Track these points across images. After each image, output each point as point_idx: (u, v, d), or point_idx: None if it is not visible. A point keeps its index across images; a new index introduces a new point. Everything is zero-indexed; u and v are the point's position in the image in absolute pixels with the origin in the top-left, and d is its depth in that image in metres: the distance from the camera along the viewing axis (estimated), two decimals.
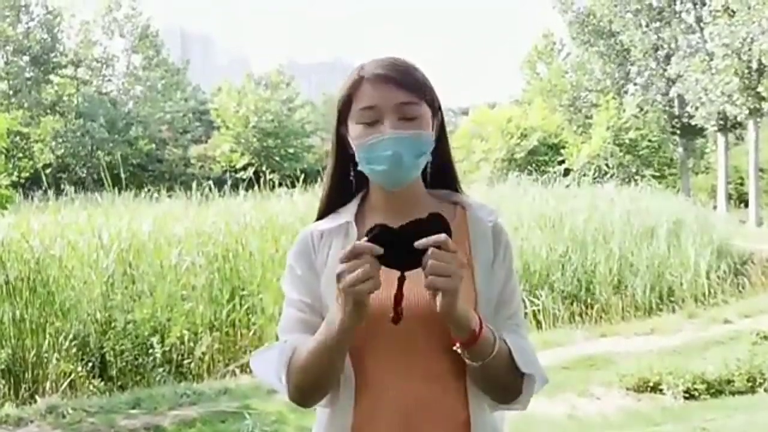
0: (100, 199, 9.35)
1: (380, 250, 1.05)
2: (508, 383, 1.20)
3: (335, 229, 1.27)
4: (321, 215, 1.32)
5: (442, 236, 1.05)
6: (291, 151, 33.57)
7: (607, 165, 23.88)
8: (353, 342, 1.14)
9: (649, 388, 5.36)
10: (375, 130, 1.19)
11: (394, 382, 1.20)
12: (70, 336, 5.90)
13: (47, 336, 5.86)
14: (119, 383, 5.87)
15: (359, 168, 1.23)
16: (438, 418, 1.20)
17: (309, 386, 1.20)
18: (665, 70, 26.46)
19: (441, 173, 1.30)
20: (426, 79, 1.24)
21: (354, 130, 1.22)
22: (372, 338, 1.17)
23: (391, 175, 1.20)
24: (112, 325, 6.07)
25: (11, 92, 30.20)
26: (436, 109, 1.25)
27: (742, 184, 29.86)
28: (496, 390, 1.21)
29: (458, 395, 1.22)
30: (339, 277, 1.06)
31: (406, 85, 1.19)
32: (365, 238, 1.07)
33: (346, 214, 1.28)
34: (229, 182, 11.51)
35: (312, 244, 1.28)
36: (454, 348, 1.15)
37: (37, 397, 5.40)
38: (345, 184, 1.29)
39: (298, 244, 1.30)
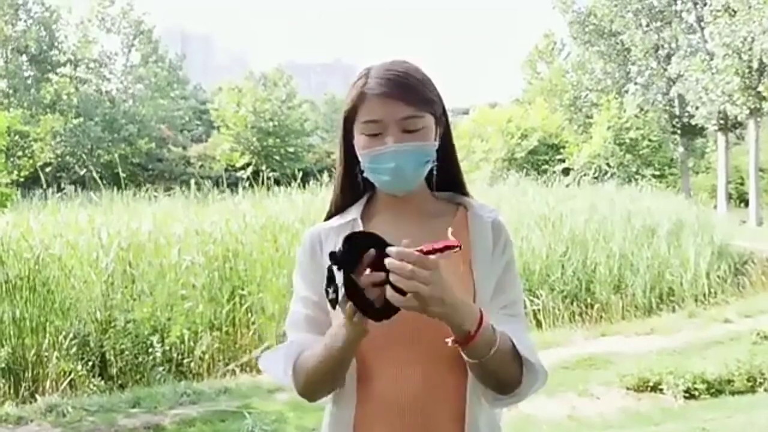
0: (97, 199, 9.34)
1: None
2: (509, 374, 1.20)
3: (344, 226, 1.30)
4: (330, 216, 1.37)
5: (410, 252, 1.02)
6: (291, 150, 33.61)
7: (607, 165, 23.90)
8: (357, 347, 1.16)
9: (649, 388, 5.35)
10: (379, 142, 1.22)
11: (394, 372, 1.21)
12: (70, 335, 5.90)
13: (47, 335, 5.86)
14: (119, 382, 5.86)
15: (365, 175, 1.27)
16: (437, 407, 1.22)
17: (316, 386, 1.25)
18: (666, 69, 26.45)
19: (447, 177, 1.33)
20: (431, 89, 1.25)
21: (359, 140, 1.25)
22: (372, 329, 1.16)
23: (394, 185, 1.24)
24: (112, 324, 6.07)
25: (10, 91, 30.20)
26: (439, 117, 1.27)
27: (742, 184, 29.85)
28: (495, 382, 1.21)
29: (459, 384, 1.22)
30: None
31: (410, 100, 1.21)
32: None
33: (353, 212, 1.32)
34: (225, 181, 11.49)
35: (318, 242, 1.32)
36: (447, 341, 1.14)
37: (37, 396, 5.40)
38: (354, 187, 1.33)
39: (305, 243, 1.34)
